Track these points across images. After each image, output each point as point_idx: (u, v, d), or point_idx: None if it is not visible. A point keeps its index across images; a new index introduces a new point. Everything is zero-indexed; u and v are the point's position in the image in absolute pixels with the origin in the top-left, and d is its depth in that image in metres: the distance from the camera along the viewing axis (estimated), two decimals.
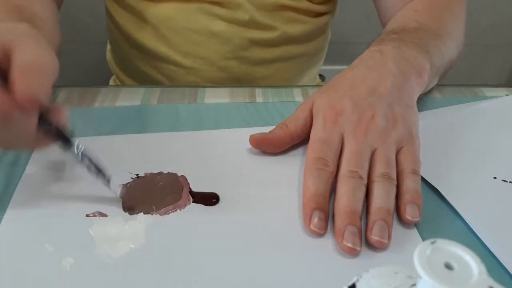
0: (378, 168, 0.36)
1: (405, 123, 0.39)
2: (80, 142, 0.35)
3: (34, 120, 0.32)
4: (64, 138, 0.34)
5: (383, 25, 0.59)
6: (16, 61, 0.30)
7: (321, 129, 0.38)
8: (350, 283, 0.23)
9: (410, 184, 0.35)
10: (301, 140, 0.41)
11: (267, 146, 0.41)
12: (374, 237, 0.32)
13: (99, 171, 0.35)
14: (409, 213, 0.34)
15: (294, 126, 0.41)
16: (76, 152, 0.34)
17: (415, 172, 0.36)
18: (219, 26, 0.59)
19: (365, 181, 0.35)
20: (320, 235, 0.33)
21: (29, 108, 0.30)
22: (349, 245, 0.32)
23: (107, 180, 0.35)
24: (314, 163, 0.36)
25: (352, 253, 0.32)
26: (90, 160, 0.35)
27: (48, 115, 0.33)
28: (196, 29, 0.60)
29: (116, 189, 0.36)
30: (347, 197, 0.34)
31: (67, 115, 0.34)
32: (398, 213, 0.35)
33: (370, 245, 0.33)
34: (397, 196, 0.35)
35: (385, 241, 0.32)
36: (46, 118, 0.33)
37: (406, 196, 0.35)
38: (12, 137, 0.33)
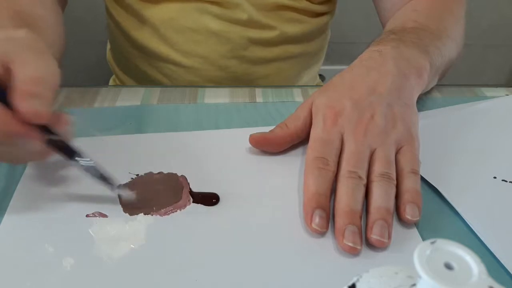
0: (378, 168, 0.36)
1: (405, 123, 0.39)
2: (85, 155, 0.34)
3: (38, 134, 0.31)
4: (69, 150, 0.34)
5: (383, 25, 0.59)
6: (16, 77, 0.30)
7: (321, 129, 0.38)
8: (350, 283, 0.23)
9: (410, 184, 0.35)
10: (301, 139, 0.41)
11: (267, 146, 0.41)
12: (374, 236, 0.32)
13: (106, 181, 0.35)
14: (409, 212, 0.34)
15: (294, 125, 0.41)
16: (81, 164, 0.34)
17: (414, 171, 0.36)
18: (219, 25, 0.59)
19: (365, 181, 0.35)
20: (321, 233, 0.33)
21: (32, 125, 0.30)
22: (350, 244, 0.32)
23: (115, 187, 0.35)
24: (315, 162, 0.36)
25: (353, 252, 0.32)
26: (96, 171, 0.35)
27: (53, 127, 0.32)
28: (196, 29, 0.60)
29: (123, 193, 0.36)
30: (347, 197, 0.34)
31: (71, 122, 0.33)
32: (398, 212, 0.35)
33: (370, 245, 0.33)
34: (397, 196, 0.35)
35: (385, 240, 0.32)
36: (51, 130, 0.32)
37: (406, 196, 0.35)
38: (18, 152, 0.33)
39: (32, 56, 0.32)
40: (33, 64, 0.31)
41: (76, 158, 0.34)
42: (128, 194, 0.36)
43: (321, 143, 0.37)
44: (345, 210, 0.33)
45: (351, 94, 0.40)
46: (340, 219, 0.33)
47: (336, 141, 0.37)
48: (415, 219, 0.34)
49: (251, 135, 0.41)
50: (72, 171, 0.39)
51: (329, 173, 0.36)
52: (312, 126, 0.40)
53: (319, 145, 0.37)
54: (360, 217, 0.33)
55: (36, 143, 0.32)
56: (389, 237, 0.33)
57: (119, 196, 0.36)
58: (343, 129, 0.38)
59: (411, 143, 0.38)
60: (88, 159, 0.35)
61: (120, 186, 0.36)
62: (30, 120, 0.30)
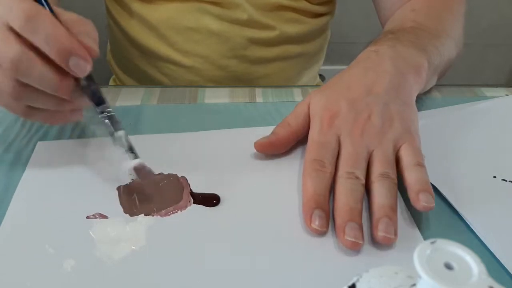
0: (377, 169, 0.36)
1: (403, 121, 0.39)
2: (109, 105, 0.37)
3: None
4: (98, 97, 0.36)
5: (383, 24, 0.60)
6: (64, 18, 0.33)
7: (317, 132, 0.38)
8: (350, 283, 0.23)
9: (417, 175, 0.35)
10: (304, 135, 0.41)
11: (274, 150, 0.41)
12: (380, 233, 0.32)
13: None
14: (423, 199, 0.33)
15: (296, 123, 0.41)
16: (105, 113, 0.36)
17: (419, 164, 0.36)
18: (219, 25, 0.59)
19: (363, 181, 0.35)
20: (321, 233, 0.33)
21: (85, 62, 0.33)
22: (351, 239, 0.32)
23: (131, 152, 0.37)
24: (312, 164, 0.36)
25: (355, 247, 0.32)
26: (115, 121, 0.37)
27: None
28: (196, 28, 0.60)
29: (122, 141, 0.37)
30: (345, 196, 0.34)
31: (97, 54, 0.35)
32: (412, 203, 0.34)
33: (376, 243, 0.33)
34: (407, 190, 0.35)
35: (392, 236, 0.32)
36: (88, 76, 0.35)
37: (416, 186, 0.34)
38: (55, 106, 0.35)
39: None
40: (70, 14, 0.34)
41: (102, 107, 0.36)
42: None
43: (318, 145, 0.37)
44: (344, 208, 0.33)
45: (348, 95, 0.40)
46: (339, 218, 0.33)
47: (333, 143, 0.37)
48: (430, 205, 0.33)
49: (256, 142, 0.40)
50: (72, 171, 0.39)
51: (326, 175, 0.36)
52: (310, 128, 0.40)
53: (316, 148, 0.37)
54: (360, 216, 0.33)
55: (73, 92, 0.34)
56: (395, 234, 0.32)
57: (119, 191, 0.36)
58: (340, 130, 0.38)
59: (411, 139, 0.38)
60: (111, 109, 0.37)
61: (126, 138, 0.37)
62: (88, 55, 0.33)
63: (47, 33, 0.31)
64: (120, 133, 0.36)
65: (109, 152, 0.41)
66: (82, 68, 0.33)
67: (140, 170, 0.37)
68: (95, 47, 0.33)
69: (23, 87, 0.33)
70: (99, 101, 0.36)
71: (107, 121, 0.36)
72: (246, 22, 0.60)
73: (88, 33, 0.34)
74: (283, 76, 0.67)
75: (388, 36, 0.47)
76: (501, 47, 1.48)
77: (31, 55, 0.32)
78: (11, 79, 0.33)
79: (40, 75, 0.32)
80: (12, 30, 0.32)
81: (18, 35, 0.32)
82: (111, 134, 0.37)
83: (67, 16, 0.34)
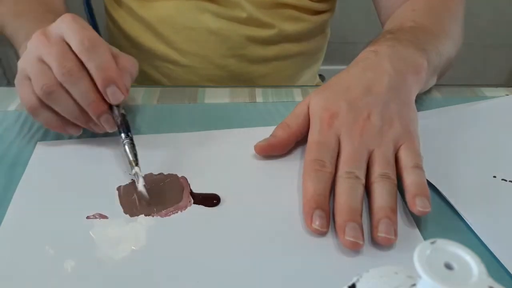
0: (377, 169, 0.36)
1: (402, 121, 0.39)
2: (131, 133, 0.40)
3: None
4: (126, 126, 0.40)
5: (383, 24, 0.59)
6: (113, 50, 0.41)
7: (317, 132, 0.38)
8: (350, 283, 0.23)
9: (414, 178, 0.35)
10: (304, 136, 0.41)
11: (274, 151, 0.41)
12: (380, 234, 0.32)
13: (135, 160, 0.38)
14: (419, 204, 0.34)
15: (296, 124, 0.41)
16: (127, 141, 0.39)
17: (417, 166, 0.36)
18: (217, 24, 0.59)
19: (363, 181, 0.35)
20: (322, 233, 0.33)
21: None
22: (351, 239, 0.32)
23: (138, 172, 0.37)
24: (312, 165, 0.36)
25: (355, 247, 0.32)
26: (132, 148, 0.38)
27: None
28: (194, 27, 0.60)
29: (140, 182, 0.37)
30: (345, 196, 0.34)
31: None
32: (408, 207, 0.34)
33: (376, 244, 0.33)
34: (404, 192, 0.35)
35: (392, 237, 0.32)
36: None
37: (412, 190, 0.35)
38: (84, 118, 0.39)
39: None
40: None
41: (128, 134, 0.39)
42: (142, 187, 0.36)
43: (318, 145, 0.37)
44: (344, 208, 0.33)
45: (347, 95, 0.40)
46: (339, 218, 0.33)
47: (333, 143, 0.37)
48: (426, 210, 0.33)
49: (256, 145, 0.40)
50: (73, 172, 0.39)
51: (326, 174, 0.36)
52: (310, 128, 0.40)
53: (316, 148, 0.37)
54: (360, 215, 0.33)
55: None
56: (395, 234, 0.32)
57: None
58: (340, 131, 0.38)
59: (411, 140, 0.38)
60: (131, 136, 0.39)
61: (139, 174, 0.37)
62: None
63: (101, 61, 0.37)
64: (137, 169, 0.37)
65: (109, 152, 0.41)
66: (118, 96, 0.38)
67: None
68: (129, 85, 0.40)
69: (60, 88, 0.37)
70: (126, 128, 0.40)
71: (127, 148, 0.39)
72: (245, 20, 0.59)
73: (131, 71, 0.41)
74: (282, 76, 0.67)
75: (387, 36, 0.47)
76: (502, 48, 1.48)
77: (84, 71, 0.37)
78: (54, 79, 0.37)
79: (85, 89, 0.37)
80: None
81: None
82: (129, 163, 0.38)
83: (115, 50, 0.42)
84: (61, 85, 0.37)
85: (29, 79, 0.38)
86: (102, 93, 0.38)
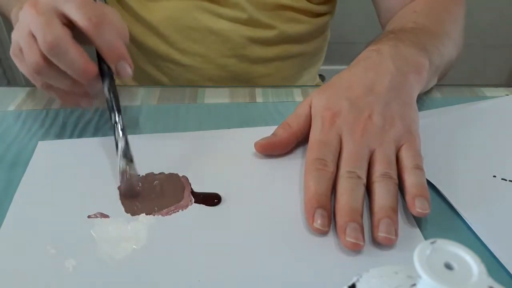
0: (378, 169, 0.36)
1: (404, 121, 0.39)
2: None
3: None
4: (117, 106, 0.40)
5: (383, 26, 0.60)
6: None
7: (319, 131, 0.38)
8: (350, 283, 0.23)
9: (415, 179, 0.35)
10: (305, 136, 0.41)
11: (274, 150, 0.41)
12: (381, 234, 0.32)
13: (127, 148, 0.38)
14: (418, 205, 0.34)
15: (297, 124, 0.41)
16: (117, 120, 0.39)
17: (418, 167, 0.36)
18: (218, 24, 0.59)
19: (364, 181, 0.35)
20: (323, 233, 0.34)
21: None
22: (352, 240, 0.32)
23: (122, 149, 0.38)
24: (313, 164, 0.36)
25: (356, 248, 0.32)
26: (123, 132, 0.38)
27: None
28: (195, 27, 0.60)
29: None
30: (346, 196, 0.34)
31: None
32: (407, 208, 0.34)
33: (377, 243, 0.33)
34: (404, 193, 0.35)
35: (393, 237, 0.32)
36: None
37: (412, 191, 0.35)
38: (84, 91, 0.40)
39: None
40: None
41: (120, 117, 0.39)
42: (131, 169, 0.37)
43: (319, 145, 0.38)
44: (345, 208, 0.33)
45: (348, 95, 0.40)
46: (340, 218, 0.33)
47: (334, 142, 0.37)
48: (425, 211, 0.33)
49: (256, 143, 0.41)
50: (73, 172, 0.39)
51: (327, 174, 0.36)
52: (311, 128, 0.40)
53: (317, 147, 0.37)
54: (361, 216, 0.33)
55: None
56: (396, 234, 0.32)
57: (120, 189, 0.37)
58: (341, 130, 0.38)
59: (412, 140, 0.38)
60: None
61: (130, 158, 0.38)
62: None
63: (110, 38, 0.38)
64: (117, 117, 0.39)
65: (110, 152, 0.41)
66: (127, 71, 0.39)
67: (124, 175, 0.37)
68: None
69: (47, 63, 0.37)
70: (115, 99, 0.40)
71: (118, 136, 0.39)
72: (246, 21, 0.60)
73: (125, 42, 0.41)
74: (283, 76, 0.67)
75: (389, 36, 0.47)
76: (501, 48, 1.48)
77: (69, 41, 0.37)
78: (40, 55, 0.37)
79: (71, 60, 0.37)
80: (59, 15, 0.37)
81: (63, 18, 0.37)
82: (116, 146, 0.38)
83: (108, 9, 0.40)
84: (48, 59, 0.37)
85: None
86: (112, 68, 0.39)
